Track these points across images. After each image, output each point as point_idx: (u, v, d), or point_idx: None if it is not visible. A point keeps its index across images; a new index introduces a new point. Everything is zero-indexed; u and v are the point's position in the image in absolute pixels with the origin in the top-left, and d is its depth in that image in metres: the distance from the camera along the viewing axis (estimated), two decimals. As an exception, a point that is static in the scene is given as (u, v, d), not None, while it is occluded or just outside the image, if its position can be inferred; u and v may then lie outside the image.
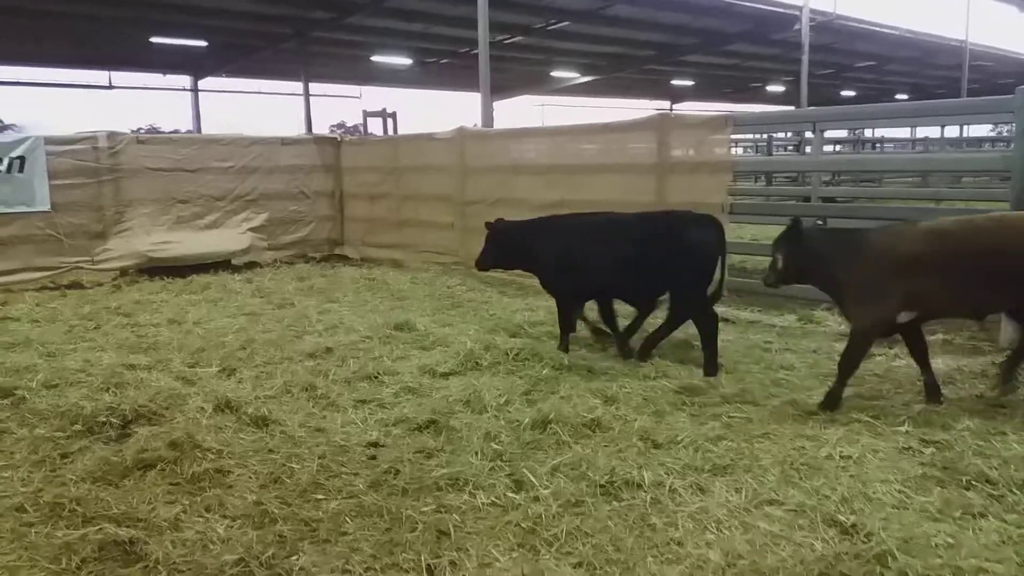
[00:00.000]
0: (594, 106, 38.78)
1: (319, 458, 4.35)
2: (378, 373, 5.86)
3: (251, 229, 12.57)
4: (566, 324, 6.64)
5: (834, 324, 7.46)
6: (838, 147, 21.75)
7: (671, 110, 39.43)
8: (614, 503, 3.76)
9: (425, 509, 3.71)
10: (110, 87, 25.91)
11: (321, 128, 25.55)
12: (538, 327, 7.43)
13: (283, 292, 9.85)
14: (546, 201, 9.81)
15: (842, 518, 3.56)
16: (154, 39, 21.28)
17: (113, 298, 9.65)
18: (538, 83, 33.68)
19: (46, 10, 18.43)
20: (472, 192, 10.90)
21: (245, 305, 8.98)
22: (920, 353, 5.26)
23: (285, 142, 13.37)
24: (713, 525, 3.57)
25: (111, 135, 11.44)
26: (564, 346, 6.51)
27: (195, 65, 25.88)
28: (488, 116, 14.85)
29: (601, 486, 3.89)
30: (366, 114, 21.41)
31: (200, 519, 3.70)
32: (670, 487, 3.89)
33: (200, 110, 28.87)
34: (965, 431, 4.55)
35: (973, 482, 3.92)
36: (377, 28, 21.96)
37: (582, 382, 5.60)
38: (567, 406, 5.00)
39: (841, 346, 6.55)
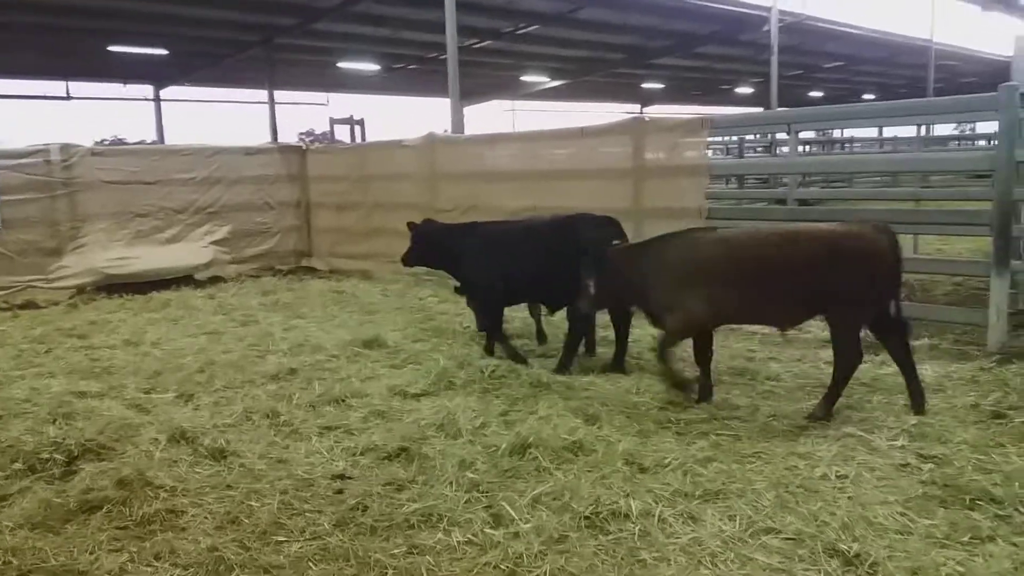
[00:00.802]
0: (565, 110, 38.62)
1: (281, 494, 4.03)
2: (345, 396, 5.53)
3: (214, 242, 12.14)
4: (489, 327, 6.71)
5: (816, 330, 7.25)
6: (808, 148, 21.76)
7: (641, 113, 39.42)
8: (600, 537, 3.49)
9: (395, 551, 3.41)
10: (68, 98, 25.18)
11: (290, 136, 25.08)
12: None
13: (247, 308, 9.47)
14: (519, 208, 9.55)
15: (844, 547, 3.32)
16: (112, 48, 20.67)
17: (68, 318, 9.21)
18: (508, 88, 33.42)
19: (-2, 20, 17.84)
20: (443, 200, 10.59)
21: (207, 323, 8.60)
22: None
23: (249, 151, 12.94)
24: (707, 559, 3.31)
25: (64, 147, 10.96)
26: (489, 348, 6.65)
27: (156, 74, 25.21)
28: (458, 122, 14.56)
29: (586, 518, 3.62)
30: (332, 121, 21.00)
31: (148, 569, 3.37)
32: (659, 517, 3.62)
33: (164, 120, 28.17)
34: (963, 444, 4.36)
35: (977, 501, 3.71)
36: (344, 34, 21.53)
37: (561, 400, 5.32)
38: (547, 427, 4.72)
39: (826, 353, 6.42)
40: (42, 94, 25.27)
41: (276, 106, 24.59)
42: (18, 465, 4.39)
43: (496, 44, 24.17)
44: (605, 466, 4.19)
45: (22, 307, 10.09)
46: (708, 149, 20.44)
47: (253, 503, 3.93)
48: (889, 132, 20.16)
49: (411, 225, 7.51)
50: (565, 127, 9.54)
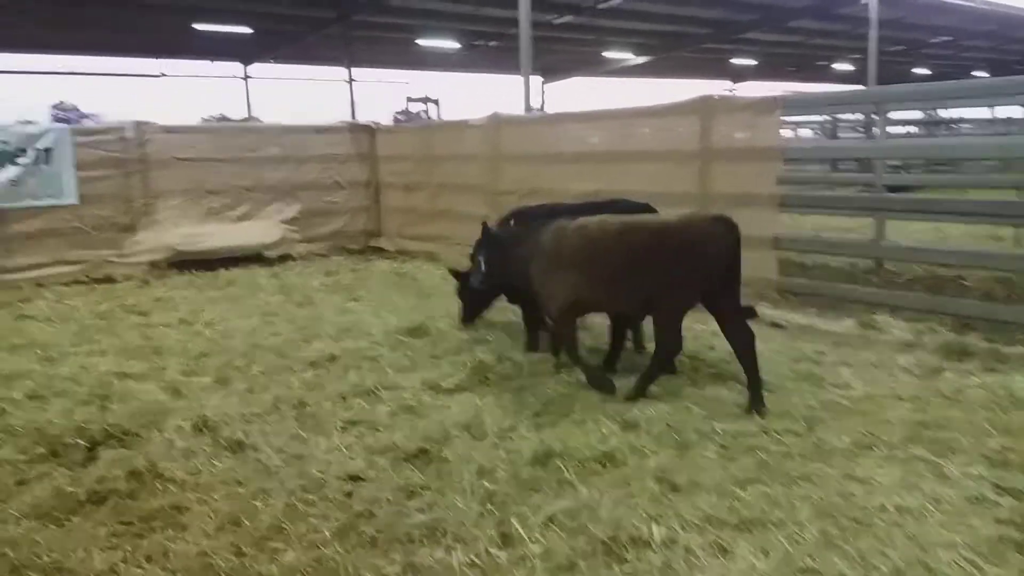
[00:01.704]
0: (651, 87, 37.63)
1: (289, 494, 3.85)
2: (377, 388, 5.33)
3: (284, 221, 12.22)
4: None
5: (898, 331, 6.66)
6: (910, 129, 20.39)
7: (732, 91, 38.00)
8: (615, 567, 3.15)
9: (389, 570, 3.17)
10: (161, 76, 26.01)
11: (382, 116, 25.05)
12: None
13: (307, 289, 9.45)
14: (582, 192, 9.17)
15: (893, 598, 2.89)
16: (197, 26, 21.14)
17: (136, 294, 9.40)
18: (591, 65, 32.75)
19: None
20: (505, 182, 10.30)
21: (264, 303, 8.61)
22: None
23: (319, 131, 12.98)
24: (732, 601, 2.94)
25: (138, 125, 11.18)
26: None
27: (243, 52, 25.78)
28: (528, 99, 14.20)
29: (603, 543, 3.29)
30: (408, 100, 20.94)
31: (137, 571, 3.24)
32: (685, 546, 3.26)
33: (252, 97, 28.85)
34: (1051, 476, 3.80)
35: (1062, 548, 3.20)
36: (422, 10, 21.41)
37: (600, 402, 4.97)
38: (578, 433, 4.40)
39: (905, 359, 5.89)
40: (138, 72, 26.14)
41: (359, 84, 24.76)
42: (41, 449, 4.37)
43: (577, 19, 23.58)
44: (634, 482, 3.84)
45: (100, 281, 10.39)
46: (798, 129, 19.55)
47: (259, 503, 3.77)
48: (1003, 113, 18.70)
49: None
50: (629, 107, 9.05)
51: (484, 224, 5.98)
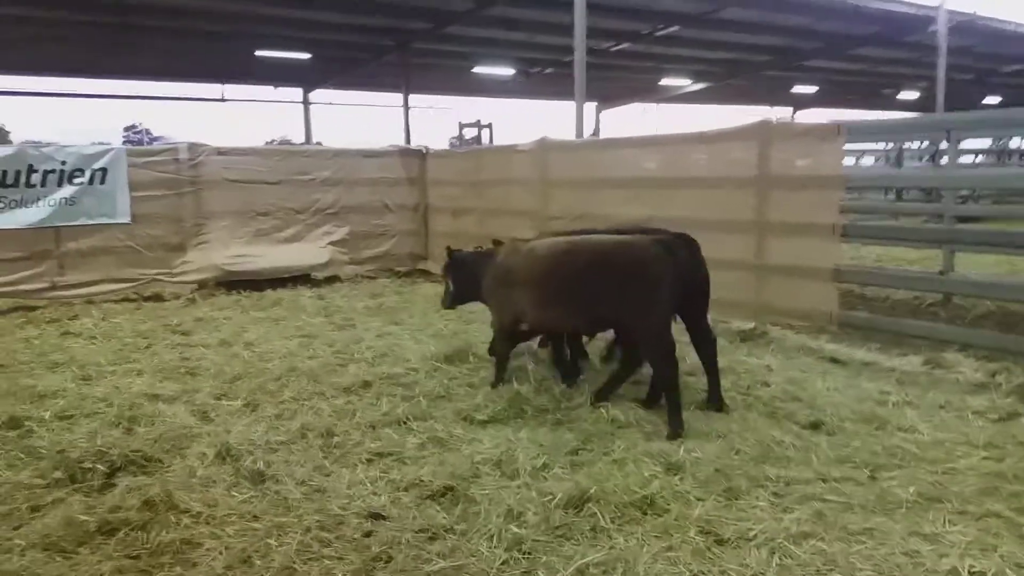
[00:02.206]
0: (709, 114, 37.19)
1: (305, 532, 3.62)
2: (408, 418, 5.10)
3: (332, 243, 12.21)
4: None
5: (969, 371, 6.18)
6: (978, 158, 19.53)
7: (792, 118, 37.28)
8: (650, 631, 2.84)
9: (401, 623, 2.91)
10: (223, 100, 26.63)
11: (438, 141, 25.19)
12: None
13: (350, 311, 9.34)
14: (632, 217, 8.88)
15: None
16: (258, 53, 21.57)
17: (181, 313, 9.41)
18: (648, 91, 32.49)
19: (156, 25, 18.93)
20: (554, 207, 10.07)
21: (305, 325, 8.51)
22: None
23: (369, 154, 12.97)
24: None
25: (192, 146, 11.31)
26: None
27: (303, 78, 26.23)
28: (581, 126, 14.01)
29: (638, 602, 2.97)
30: (461, 126, 20.93)
31: (137, 612, 3.04)
32: (730, 610, 2.93)
33: (312, 122, 29.35)
34: None
35: None
36: (478, 38, 21.48)
37: (643, 441, 4.65)
38: (617, 475, 4.09)
39: (978, 401, 5.44)
40: (199, 96, 26.82)
41: (416, 110, 24.96)
42: (59, 474, 4.24)
43: (634, 47, 23.37)
44: (675, 532, 3.51)
45: (148, 299, 10.47)
46: (861, 157, 18.89)
47: (273, 541, 3.55)
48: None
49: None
50: (683, 132, 8.75)
51: (448, 248, 6.53)
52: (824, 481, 4.07)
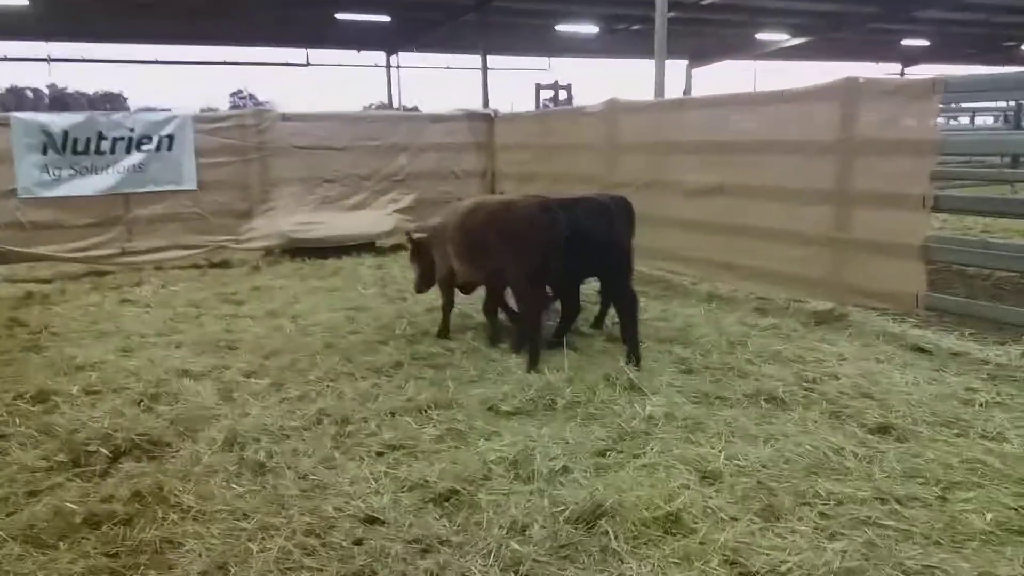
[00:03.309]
0: (810, 70, 35.14)
1: (291, 535, 3.34)
2: (430, 405, 4.77)
3: (398, 210, 11.98)
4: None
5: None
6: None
7: (902, 74, 34.86)
8: None
9: (361, 659, 2.58)
10: (307, 64, 26.81)
11: (519, 103, 24.61)
12: (668, 346, 6.02)
13: (405, 283, 9.05)
14: (703, 185, 8.26)
15: None
16: (340, 16, 21.47)
17: (241, 281, 9.39)
18: (743, 47, 30.89)
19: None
20: (621, 173, 9.49)
21: (357, 297, 8.31)
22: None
23: (436, 119, 12.64)
24: None
25: (258, 112, 11.25)
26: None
27: (385, 41, 26.08)
28: (661, 84, 13.27)
29: (638, 648, 2.55)
30: (539, 87, 20.31)
31: (95, 622, 2.82)
32: (746, 666, 2.47)
33: (395, 85, 29.28)
34: None
35: None
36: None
37: (681, 443, 4.16)
38: (644, 483, 3.64)
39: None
40: (285, 61, 27.09)
41: (498, 72, 24.48)
42: (63, 456, 4.11)
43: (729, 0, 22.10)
44: (697, 561, 3.05)
45: (216, 265, 10.54)
46: (976, 116, 17.31)
47: (255, 545, 3.28)
48: None
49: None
50: (758, 91, 8.01)
51: (408, 235, 7.09)
52: (883, 501, 3.50)
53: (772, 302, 7.46)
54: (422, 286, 6.87)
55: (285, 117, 11.59)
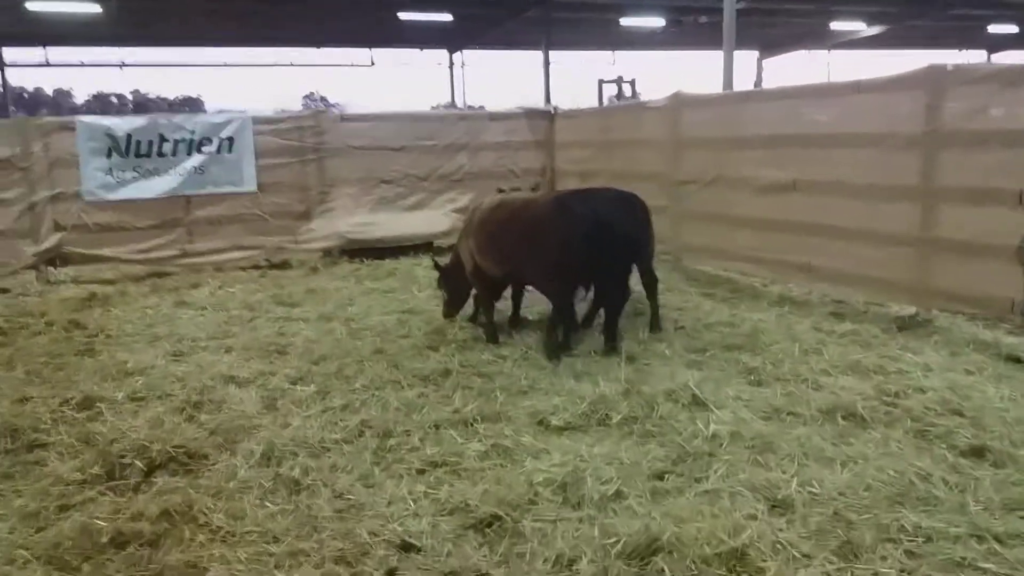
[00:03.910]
0: (888, 60, 33.63)
1: (320, 564, 3.12)
2: (477, 418, 4.50)
3: (455, 210, 11.78)
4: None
5: None
6: None
7: (989, 60, 33.09)
8: None
9: None
10: (371, 65, 26.96)
11: (589, 99, 24.07)
12: (735, 354, 5.62)
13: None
14: (774, 182, 7.79)
15: None
16: (401, 15, 21.46)
17: (298, 283, 9.34)
18: (816, 37, 29.78)
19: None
20: (686, 170, 9.08)
21: (411, 299, 8.12)
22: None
23: (494, 117, 12.41)
24: None
25: (316, 113, 11.20)
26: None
27: (447, 39, 26.01)
28: (729, 75, 12.75)
29: None
30: (601, 83, 19.87)
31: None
32: None
33: (457, 84, 29.23)
34: None
35: None
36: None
37: (749, 466, 3.78)
38: (705, 512, 3.29)
39: None
40: (350, 62, 27.30)
41: (561, 68, 24.13)
42: (97, 469, 4.00)
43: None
44: (763, 608, 2.70)
45: (276, 266, 10.53)
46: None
47: (281, 573, 3.08)
48: None
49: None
50: (834, 82, 7.49)
51: (434, 262, 7.10)
52: (980, 539, 3.08)
53: (850, 306, 6.96)
54: (451, 311, 6.87)
55: (343, 118, 11.54)
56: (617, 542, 3.09)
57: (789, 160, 7.67)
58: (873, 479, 3.58)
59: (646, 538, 3.05)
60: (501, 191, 7.62)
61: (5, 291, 9.27)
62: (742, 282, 8.18)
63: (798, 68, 32.77)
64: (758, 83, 28.52)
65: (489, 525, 3.34)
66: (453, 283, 6.76)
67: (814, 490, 3.50)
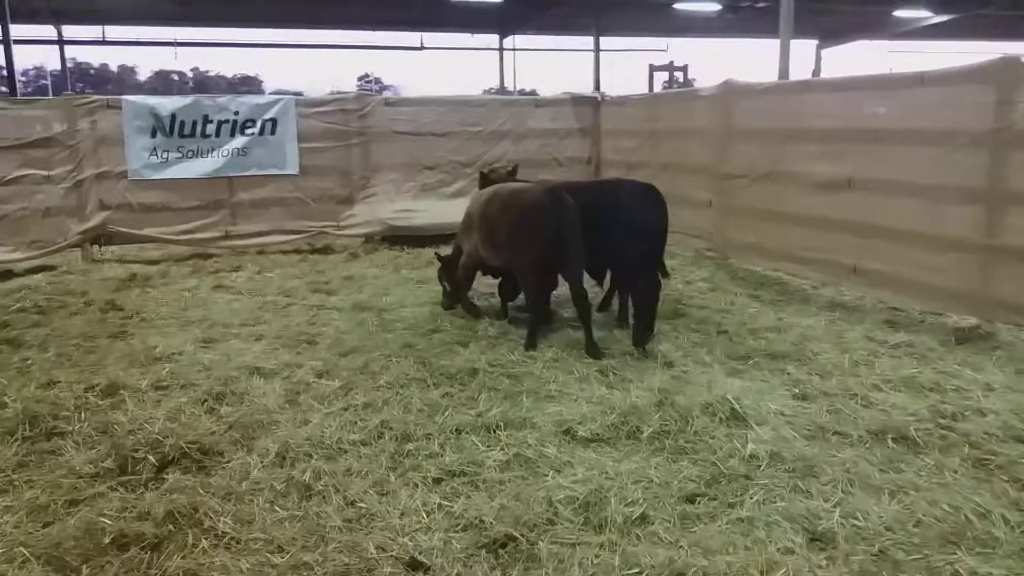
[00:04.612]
0: (956, 51, 32.28)
1: (322, 580, 2.97)
2: (499, 425, 4.30)
3: (498, 198, 11.56)
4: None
5: None
6: None
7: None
8: None
9: None
10: (421, 48, 26.80)
11: (640, 86, 23.58)
12: (780, 363, 5.32)
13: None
14: (829, 178, 7.40)
15: None
16: (450, -4, 21.25)
17: (337, 269, 9.28)
18: (879, 26, 28.68)
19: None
20: (735, 163, 8.71)
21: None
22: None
23: (539, 103, 12.13)
24: None
25: (359, 97, 11.07)
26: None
27: (498, 23, 25.68)
28: (786, 64, 12.26)
29: None
30: (652, 69, 19.36)
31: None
32: None
33: (507, 68, 28.92)
34: None
35: None
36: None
37: (787, 492, 3.51)
38: (738, 542, 3.05)
39: None
40: (399, 44, 27.17)
41: (612, 54, 23.68)
42: (110, 463, 3.90)
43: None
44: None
45: (318, 251, 10.47)
46: None
47: (282, 589, 2.93)
48: None
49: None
50: (895, 73, 7.04)
51: (436, 254, 7.31)
52: (1049, 592, 2.78)
53: (905, 314, 6.56)
54: (451, 303, 6.99)
55: (387, 102, 11.40)
56: (639, 573, 2.86)
57: (846, 155, 7.28)
58: (924, 513, 3.29)
59: (670, 572, 2.82)
60: (482, 174, 7.71)
61: (52, 268, 9.40)
62: (791, 284, 7.81)
63: (858, 59, 31.59)
64: (816, 73, 27.57)
65: (503, 546, 3.14)
66: (452, 275, 6.88)
67: (858, 523, 3.22)
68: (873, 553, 3.03)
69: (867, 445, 4.01)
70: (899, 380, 4.93)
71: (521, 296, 6.67)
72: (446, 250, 10.05)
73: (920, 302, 6.56)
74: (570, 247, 5.58)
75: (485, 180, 7.55)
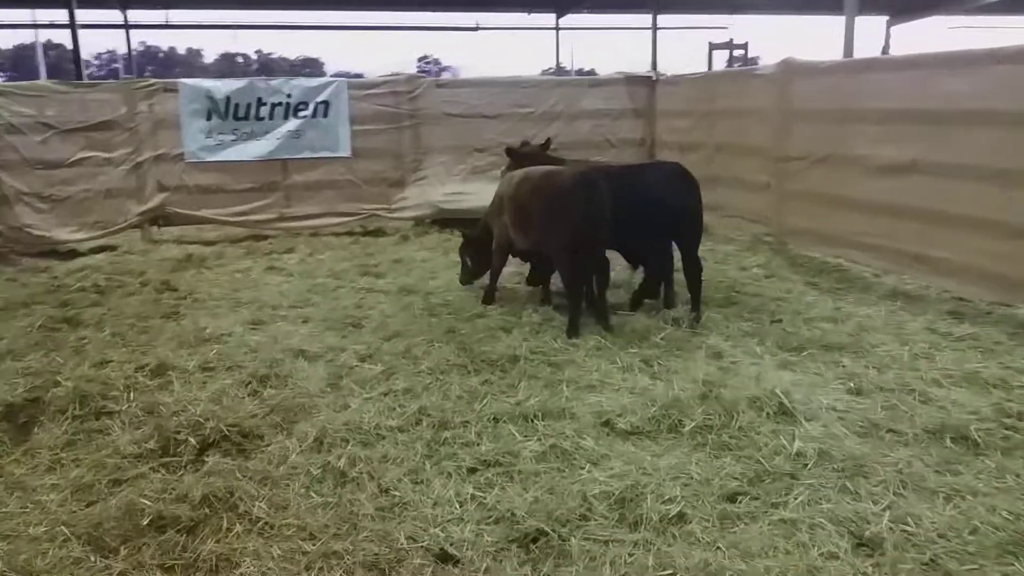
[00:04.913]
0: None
1: (350, 570, 2.95)
2: (538, 414, 4.22)
3: (549, 181, 11.43)
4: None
5: None
6: None
7: None
8: None
9: None
10: (476, 29, 26.65)
11: (699, 65, 22.99)
12: (835, 355, 5.12)
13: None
14: (893, 161, 7.09)
15: None
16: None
17: (387, 251, 9.30)
18: (954, 0, 27.35)
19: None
20: (793, 145, 8.41)
21: (496, 274, 7.88)
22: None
23: (593, 83, 11.94)
24: None
25: (411, 79, 11.05)
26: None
27: (555, 1, 25.31)
28: (850, 41, 11.78)
29: None
30: (711, 47, 18.85)
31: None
32: None
33: (565, 48, 28.56)
34: None
35: None
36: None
37: (834, 493, 3.35)
38: (780, 545, 2.93)
39: None
40: (454, 25, 27.07)
41: (670, 32, 23.15)
42: (153, 444, 3.97)
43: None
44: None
45: (369, 233, 10.54)
46: None
47: (311, 574, 2.92)
48: None
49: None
50: (963, 50, 6.65)
51: (460, 231, 7.45)
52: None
53: (971, 305, 6.25)
54: (469, 278, 7.12)
55: (438, 84, 11.36)
56: (673, 575, 2.77)
57: (911, 138, 6.95)
58: (982, 520, 3.10)
59: (705, 575, 2.72)
60: (509, 149, 7.72)
61: (113, 248, 9.66)
62: (851, 271, 7.52)
63: (931, 36, 30.20)
64: (885, 51, 26.51)
65: (535, 540, 3.08)
66: (474, 252, 6.96)
67: (909, 528, 3.06)
68: (924, 562, 2.87)
69: (923, 444, 3.81)
70: (961, 375, 4.69)
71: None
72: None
73: (987, 292, 6.23)
74: (599, 230, 5.62)
75: (515, 156, 7.41)
